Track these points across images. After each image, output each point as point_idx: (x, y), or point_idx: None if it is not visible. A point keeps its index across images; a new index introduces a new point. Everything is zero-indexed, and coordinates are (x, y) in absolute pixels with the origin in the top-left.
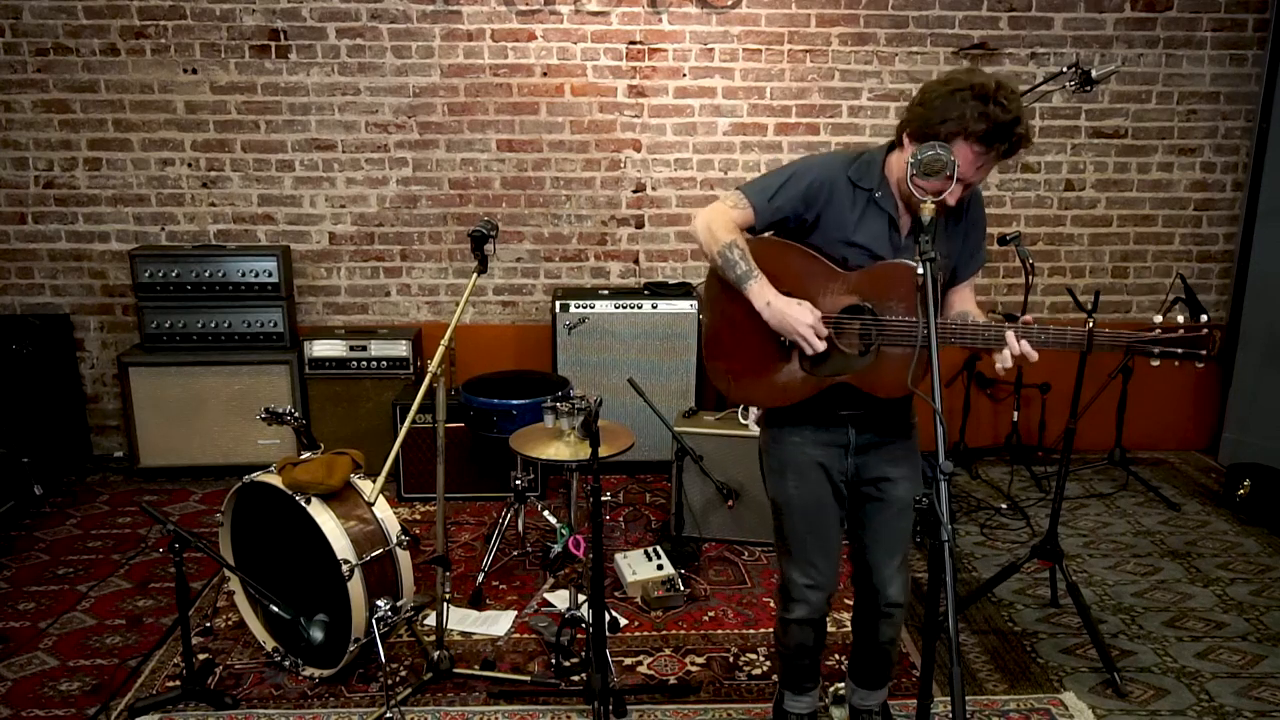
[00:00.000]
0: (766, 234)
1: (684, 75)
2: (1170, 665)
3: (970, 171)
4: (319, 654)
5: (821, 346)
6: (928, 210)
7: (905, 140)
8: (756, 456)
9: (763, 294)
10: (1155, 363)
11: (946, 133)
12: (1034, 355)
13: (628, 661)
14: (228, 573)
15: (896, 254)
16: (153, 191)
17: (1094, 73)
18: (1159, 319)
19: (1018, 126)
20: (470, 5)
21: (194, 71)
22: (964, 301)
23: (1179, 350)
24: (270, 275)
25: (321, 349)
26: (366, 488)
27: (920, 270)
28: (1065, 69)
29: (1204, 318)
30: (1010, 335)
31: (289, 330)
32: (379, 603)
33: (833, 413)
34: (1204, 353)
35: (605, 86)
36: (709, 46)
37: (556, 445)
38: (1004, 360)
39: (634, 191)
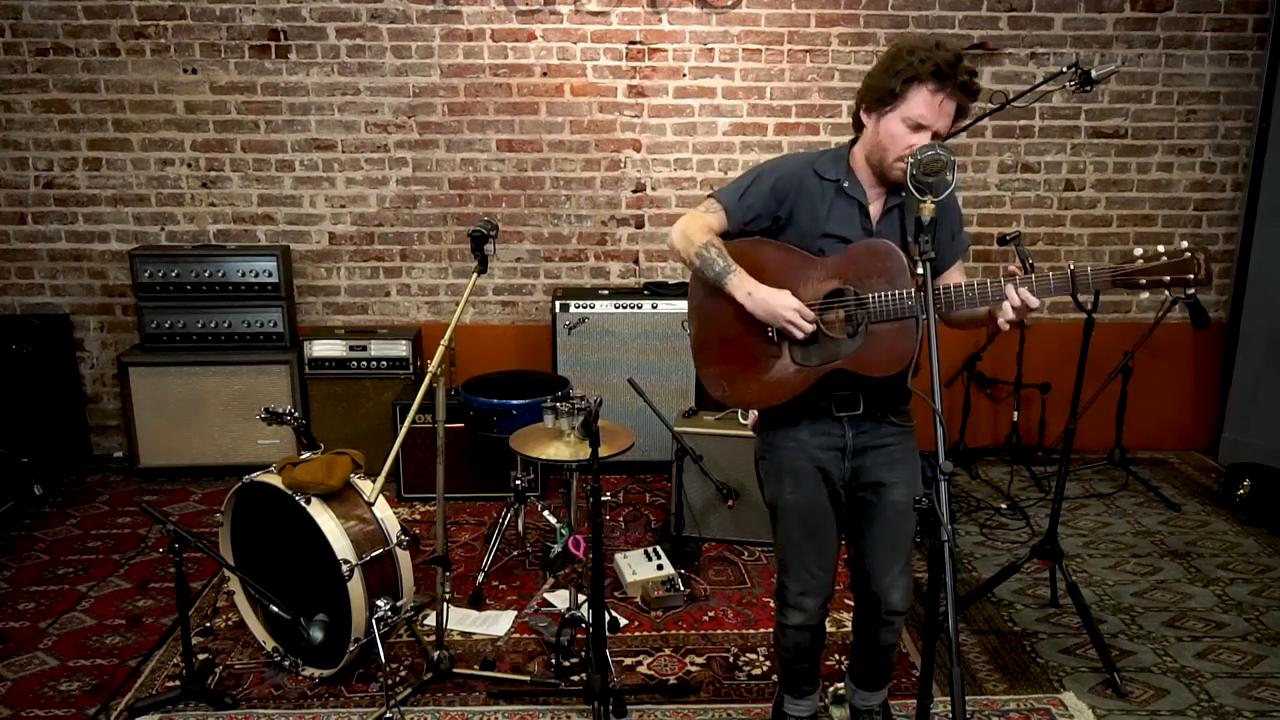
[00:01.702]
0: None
1: (684, 75)
2: (1170, 665)
3: (933, 116)
4: (319, 654)
5: (810, 328)
6: (927, 210)
7: (864, 117)
8: (755, 459)
9: (743, 285)
10: (1145, 295)
11: (899, 85)
12: (1035, 301)
13: (628, 661)
14: (228, 573)
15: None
16: (153, 191)
17: (1094, 73)
18: (1139, 251)
19: (962, 61)
20: (470, 5)
21: (194, 71)
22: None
23: (1166, 278)
24: (270, 275)
25: (321, 349)
26: (366, 488)
27: (920, 270)
28: (1065, 69)
29: (1185, 244)
30: (1010, 287)
31: (289, 330)
32: (379, 603)
33: (828, 414)
34: (1192, 276)
35: (605, 86)
36: (709, 46)
37: (556, 445)
38: (1006, 314)
39: (634, 191)
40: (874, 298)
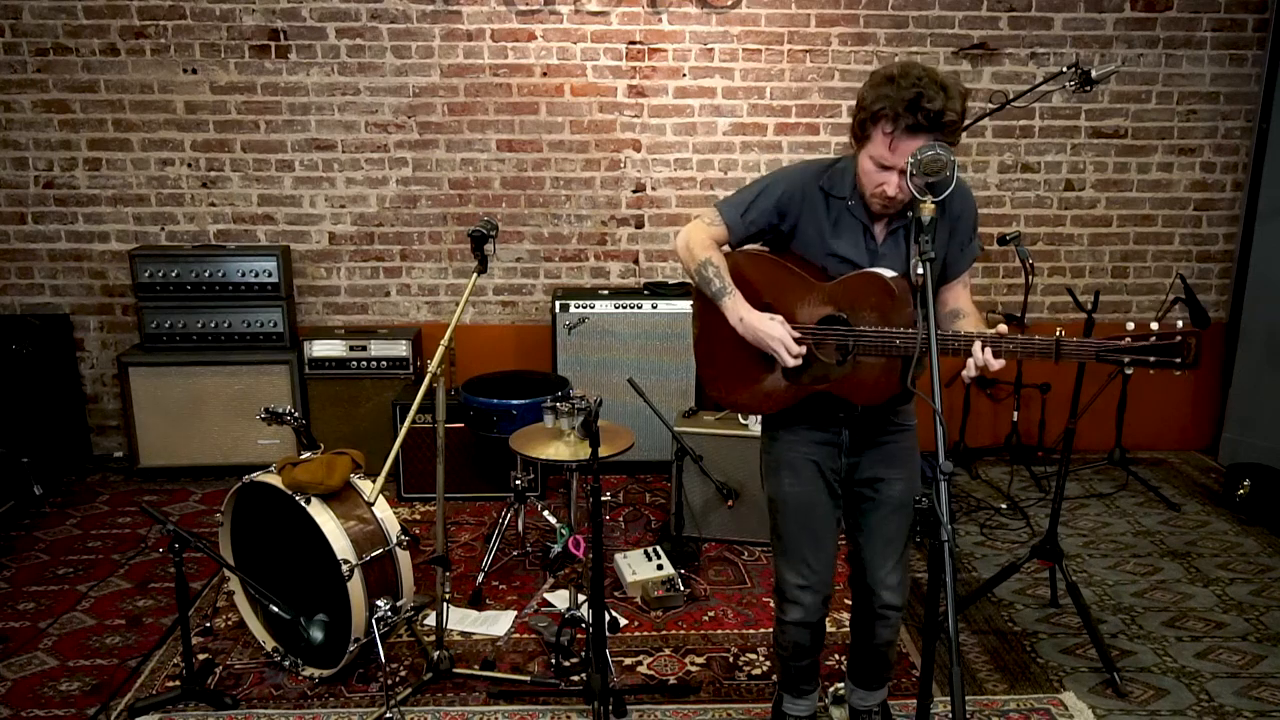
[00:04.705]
0: (750, 245)
1: (684, 75)
2: (1170, 665)
3: (891, 156)
4: (319, 654)
5: (793, 361)
6: (927, 210)
7: (853, 143)
8: (756, 456)
9: (736, 310)
10: (1129, 370)
11: (864, 122)
12: (995, 365)
13: (628, 661)
14: (228, 573)
15: (873, 261)
16: (153, 191)
17: (1094, 73)
18: (1131, 325)
19: (923, 100)
20: (470, 5)
21: (194, 71)
22: (957, 299)
23: (1151, 358)
24: (270, 275)
25: (321, 349)
26: (366, 488)
27: (920, 270)
28: (1065, 69)
29: (1179, 323)
30: (977, 346)
31: (289, 330)
32: (379, 603)
33: (828, 414)
34: (1179, 360)
35: (605, 86)
36: (709, 46)
37: (556, 445)
38: (969, 369)
39: (634, 191)
40: (863, 331)
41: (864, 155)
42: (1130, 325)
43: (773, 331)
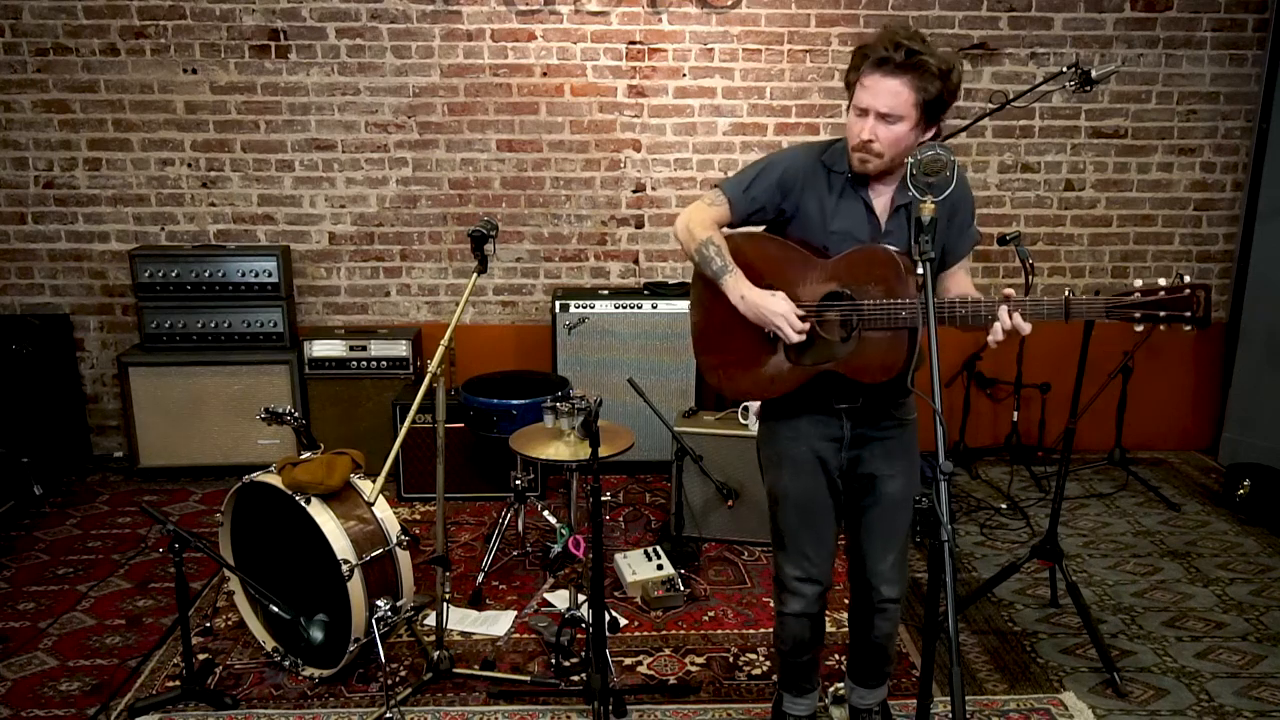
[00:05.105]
0: (749, 228)
1: (684, 75)
2: (1170, 665)
3: (866, 97)
4: (319, 654)
5: (797, 337)
6: (927, 210)
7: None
8: (756, 456)
9: (737, 287)
10: (1139, 328)
11: (851, 77)
12: (1026, 328)
13: (628, 661)
14: (228, 573)
15: (876, 239)
16: (153, 191)
17: (1094, 73)
18: (1139, 282)
19: (896, 37)
20: (470, 5)
21: (194, 71)
22: (959, 285)
23: (1161, 313)
24: (270, 275)
25: (321, 349)
26: (366, 488)
27: (920, 270)
28: (1065, 69)
29: (1186, 278)
30: (1003, 310)
31: (289, 330)
32: (379, 603)
33: (828, 405)
34: (1188, 314)
35: (605, 86)
36: (709, 46)
37: (556, 445)
38: (995, 334)
39: (634, 191)
40: (868, 305)
41: (850, 112)
42: (1138, 282)
43: (775, 307)
